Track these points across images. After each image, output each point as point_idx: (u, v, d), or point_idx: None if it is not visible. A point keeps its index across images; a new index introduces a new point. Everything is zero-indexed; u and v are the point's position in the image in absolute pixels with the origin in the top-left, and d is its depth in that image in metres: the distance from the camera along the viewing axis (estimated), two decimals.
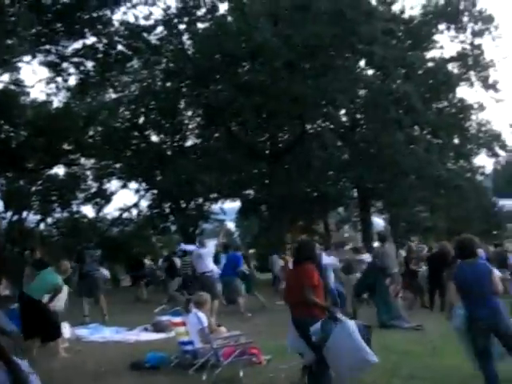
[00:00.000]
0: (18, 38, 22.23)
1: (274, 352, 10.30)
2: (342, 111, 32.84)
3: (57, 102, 31.18)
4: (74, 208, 33.89)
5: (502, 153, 40.31)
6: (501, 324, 7.05)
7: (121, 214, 34.83)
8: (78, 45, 27.16)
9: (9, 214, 32.45)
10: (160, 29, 28.93)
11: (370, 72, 32.41)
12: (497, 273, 9.34)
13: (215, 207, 36.02)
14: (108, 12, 26.26)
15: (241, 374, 9.02)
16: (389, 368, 8.87)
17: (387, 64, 28.20)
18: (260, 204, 33.18)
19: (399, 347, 10.71)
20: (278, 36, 26.44)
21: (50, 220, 33.87)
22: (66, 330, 13.45)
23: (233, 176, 31.46)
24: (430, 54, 33.99)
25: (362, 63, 31.60)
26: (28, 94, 30.44)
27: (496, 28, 33.44)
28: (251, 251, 30.74)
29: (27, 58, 26.44)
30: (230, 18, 30.22)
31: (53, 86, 30.23)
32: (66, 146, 31.32)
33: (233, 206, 36.53)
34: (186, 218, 34.07)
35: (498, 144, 37.41)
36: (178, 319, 10.64)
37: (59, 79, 29.17)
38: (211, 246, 17.72)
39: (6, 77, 27.12)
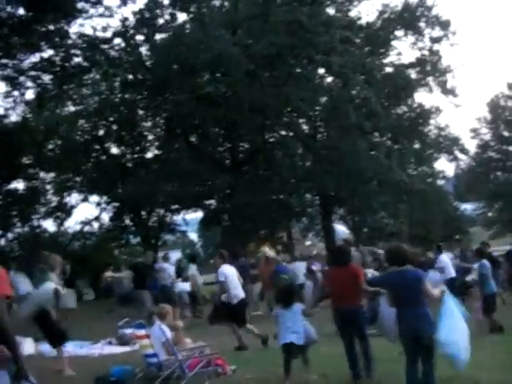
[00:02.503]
0: None
1: (239, 362, 10.25)
2: (304, 119, 32.93)
3: (15, 117, 30.83)
4: (35, 222, 33.45)
5: (462, 157, 40.93)
6: (424, 334, 7.15)
7: (82, 228, 34.49)
8: (35, 58, 26.87)
9: None
10: (118, 40, 28.75)
11: (330, 80, 32.57)
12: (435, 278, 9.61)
13: (177, 218, 35.92)
14: (64, 24, 26.03)
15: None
16: None
17: (346, 71, 28.36)
18: (222, 214, 33.09)
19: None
20: (237, 46, 26.46)
21: (10, 235, 33.38)
22: (29, 345, 13.26)
23: (195, 187, 31.35)
24: (388, 60, 34.35)
25: (322, 71, 31.74)
26: None
27: (453, 34, 33.85)
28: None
29: None
30: (188, 29, 30.15)
31: (10, 100, 29.87)
32: (25, 160, 30.95)
33: (195, 216, 36.46)
34: (148, 229, 33.88)
35: (458, 148, 37.92)
36: (141, 332, 10.52)
37: (16, 93, 28.81)
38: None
39: None
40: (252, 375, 9.62)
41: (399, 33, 34.27)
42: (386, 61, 34.28)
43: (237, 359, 10.41)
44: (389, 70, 33.55)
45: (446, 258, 16.89)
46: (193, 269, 21.30)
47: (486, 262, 13.25)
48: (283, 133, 32.83)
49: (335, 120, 29.89)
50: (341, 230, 38.71)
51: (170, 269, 19.65)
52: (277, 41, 26.63)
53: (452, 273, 16.24)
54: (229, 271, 12.33)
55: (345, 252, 9.24)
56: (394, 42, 34.44)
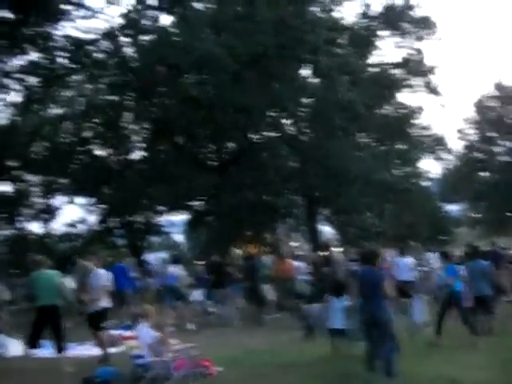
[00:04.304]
0: None
1: (226, 363, 10.32)
2: (289, 120, 32.99)
3: (1, 119, 30.74)
4: (21, 224, 33.34)
5: (448, 157, 41.10)
6: (380, 318, 9.25)
7: (68, 230, 34.37)
8: (20, 61, 26.81)
9: None
10: (103, 42, 28.69)
11: (315, 80, 32.64)
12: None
13: (163, 220, 35.87)
14: (48, 27, 25.99)
15: None
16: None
17: (331, 72, 28.47)
18: (208, 215, 33.10)
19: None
20: (221, 46, 26.48)
21: None
22: (18, 346, 13.31)
23: (180, 188, 31.33)
24: (373, 61, 34.47)
25: (307, 72, 31.82)
26: None
27: (437, 32, 34.08)
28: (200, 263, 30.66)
29: None
30: (173, 30, 30.14)
31: None
32: (10, 162, 30.87)
33: (181, 218, 36.43)
34: (134, 231, 33.84)
35: (442, 148, 38.13)
36: (128, 333, 10.58)
37: (2, 96, 28.74)
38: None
39: None
40: (238, 376, 9.70)
41: (383, 33, 34.44)
42: (370, 61, 34.41)
43: (223, 360, 10.47)
44: (373, 70, 33.68)
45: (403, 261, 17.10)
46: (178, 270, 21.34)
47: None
48: (268, 133, 32.87)
49: (320, 121, 29.99)
50: (326, 230, 38.81)
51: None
52: (262, 41, 26.67)
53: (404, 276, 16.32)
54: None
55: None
56: (378, 42, 34.60)
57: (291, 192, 33.72)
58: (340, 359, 10.99)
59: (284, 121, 32.77)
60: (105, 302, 12.22)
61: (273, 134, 32.62)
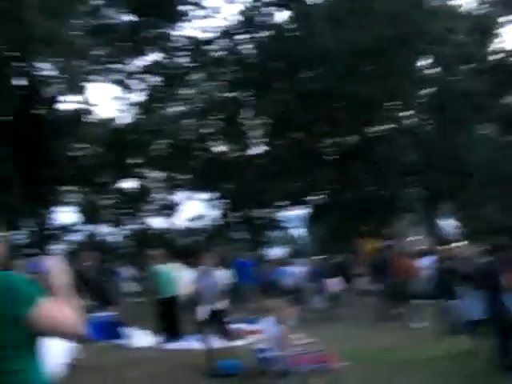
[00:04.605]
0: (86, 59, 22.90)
1: (349, 359, 10.24)
2: (408, 112, 32.41)
3: (125, 118, 31.82)
4: (144, 220, 34.44)
5: None
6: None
7: (189, 225, 35.14)
8: (143, 61, 27.70)
9: (84, 227, 33.27)
10: (221, 40, 29.17)
11: (435, 71, 31.89)
12: None
13: (283, 215, 36.00)
14: (171, 28, 26.70)
15: (317, 381, 8.98)
16: None
17: (451, 61, 27.75)
18: (327, 210, 32.98)
19: None
20: (338, 40, 26.32)
21: (120, 232, 34.49)
22: (143, 337, 13.72)
23: (299, 183, 31.39)
24: (494, 47, 33.26)
25: (426, 62, 31.14)
26: (97, 111, 31.16)
27: None
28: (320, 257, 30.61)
29: (96, 77, 27.15)
30: (290, 25, 30.22)
31: (121, 102, 30.91)
32: (135, 160, 31.91)
33: (300, 212, 36.42)
34: (254, 226, 34.15)
35: None
36: (252, 327, 10.67)
37: (127, 95, 29.78)
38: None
39: (75, 96, 27.79)
40: (361, 372, 9.61)
41: (504, 18, 33.14)
42: (491, 48, 33.22)
43: (346, 356, 10.38)
44: (495, 57, 32.51)
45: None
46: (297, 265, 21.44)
47: None
48: (387, 126, 32.40)
49: (441, 112, 29.31)
50: (447, 225, 37.79)
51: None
52: (380, 33, 26.32)
53: None
54: None
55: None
56: (498, 29, 33.32)
57: (411, 185, 33.10)
58: (466, 356, 10.68)
59: (403, 113, 32.21)
60: (219, 304, 12.18)
61: (392, 127, 32.13)
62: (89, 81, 26.97)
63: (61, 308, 2.87)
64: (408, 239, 35.87)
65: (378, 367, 10.07)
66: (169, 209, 34.73)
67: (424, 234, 37.13)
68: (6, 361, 2.75)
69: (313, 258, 23.15)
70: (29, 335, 2.81)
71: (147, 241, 32.23)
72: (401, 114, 32.17)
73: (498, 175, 28.60)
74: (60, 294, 2.93)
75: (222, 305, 12.10)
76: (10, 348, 2.76)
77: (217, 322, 12.19)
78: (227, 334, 12.03)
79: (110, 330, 13.63)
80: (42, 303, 2.80)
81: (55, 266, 3.06)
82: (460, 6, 32.41)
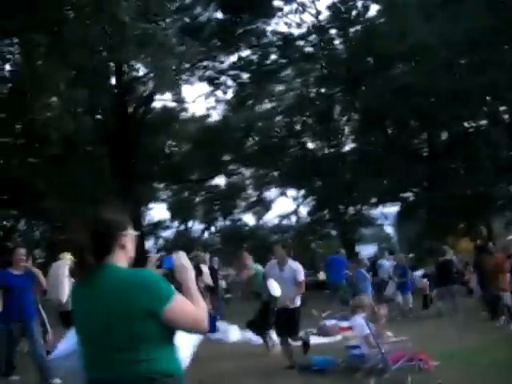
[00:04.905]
0: (177, 57, 23.30)
1: (441, 358, 10.08)
2: (506, 107, 31.49)
3: (216, 115, 32.26)
4: (236, 217, 34.81)
5: None
6: None
7: (280, 221, 35.29)
8: (233, 58, 27.95)
9: (175, 223, 33.93)
10: (312, 36, 29.11)
11: None
12: None
13: (374, 212, 35.70)
14: (261, 24, 26.82)
15: (409, 379, 8.86)
16: None
17: None
18: (419, 207, 32.44)
19: None
20: (432, 33, 25.81)
21: (213, 228, 35.02)
22: (236, 332, 13.88)
23: (392, 179, 31.00)
24: None
25: None
26: (188, 109, 31.74)
27: None
28: (410, 255, 30.18)
29: (187, 75, 27.60)
30: (381, 19, 29.89)
31: (212, 99, 31.34)
32: (225, 157, 32.27)
33: (392, 209, 36.04)
34: (346, 223, 33.99)
35: None
36: (344, 323, 10.63)
37: (217, 93, 30.15)
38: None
39: (167, 95, 28.37)
40: (455, 372, 9.44)
41: None
42: None
43: (438, 355, 10.22)
44: None
45: None
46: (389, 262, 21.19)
47: None
48: (484, 122, 31.57)
49: None
50: None
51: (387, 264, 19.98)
52: (476, 25, 25.66)
53: None
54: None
55: None
56: None
57: (509, 183, 32.14)
58: None
59: (502, 108, 31.33)
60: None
61: (489, 122, 31.28)
62: (181, 79, 27.44)
63: (191, 304, 3.07)
64: (507, 239, 34.89)
65: (470, 368, 9.85)
66: (260, 206, 34.98)
67: None
68: (138, 351, 2.96)
69: (403, 255, 22.86)
70: (162, 328, 3.00)
71: (239, 238, 32.59)
72: (498, 109, 31.28)
73: None
74: (189, 290, 3.14)
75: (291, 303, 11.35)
76: (140, 340, 2.96)
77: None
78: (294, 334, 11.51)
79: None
80: (175, 300, 3.00)
81: (182, 262, 3.26)
82: None
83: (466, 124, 31.13)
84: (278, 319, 10.81)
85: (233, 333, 14.20)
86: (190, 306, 3.07)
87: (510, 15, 25.87)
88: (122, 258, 3.14)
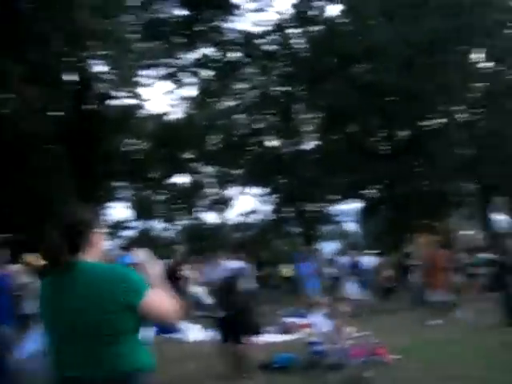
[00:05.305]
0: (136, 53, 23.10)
1: (402, 352, 10.17)
2: (461, 106, 31.94)
3: (177, 113, 32.03)
4: (197, 215, 34.67)
5: None
6: None
7: (242, 220, 35.27)
8: (195, 55, 27.79)
9: (136, 222, 33.68)
10: (273, 34, 29.12)
11: (488, 64, 31.39)
12: None
13: (336, 209, 35.86)
14: (223, 21, 26.74)
15: (369, 374, 8.94)
16: None
17: (506, 55, 27.30)
18: (381, 204, 32.72)
19: None
20: (392, 33, 26.06)
21: (174, 227, 34.82)
22: (197, 331, 13.80)
23: (352, 177, 31.20)
24: None
25: (479, 56, 30.64)
26: (148, 106, 31.48)
27: None
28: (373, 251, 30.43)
29: (146, 71, 27.38)
30: (342, 19, 30.05)
31: (173, 97, 31.12)
32: (187, 155, 32.10)
33: (353, 207, 36.25)
34: (307, 220, 34.09)
35: None
36: (304, 320, 10.65)
37: (178, 90, 29.96)
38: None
39: (127, 92, 28.05)
40: (415, 366, 9.53)
41: None
42: None
43: (399, 349, 10.31)
44: None
45: None
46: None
47: None
48: (441, 120, 31.97)
49: (495, 106, 28.85)
50: (502, 219, 37.13)
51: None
52: (434, 26, 25.97)
53: None
54: None
55: None
56: None
57: (465, 180, 32.61)
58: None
59: (456, 107, 31.76)
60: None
61: (446, 121, 31.70)
62: (140, 76, 27.21)
63: (164, 296, 3.18)
64: (461, 233, 35.46)
65: (429, 361, 9.96)
66: (222, 204, 34.90)
67: (478, 228, 36.65)
68: (118, 346, 3.01)
69: (365, 251, 23.04)
70: (137, 322, 3.09)
71: (201, 236, 32.49)
72: (454, 107, 31.70)
73: None
74: (156, 283, 3.21)
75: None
76: (119, 334, 3.02)
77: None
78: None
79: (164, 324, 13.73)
80: (149, 293, 3.08)
81: (146, 258, 3.34)
82: None
83: (425, 122, 31.47)
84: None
85: (194, 332, 14.13)
86: (164, 297, 3.16)
87: (468, 17, 26.24)
88: (92, 256, 3.19)
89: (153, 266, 3.29)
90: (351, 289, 18.47)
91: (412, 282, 19.11)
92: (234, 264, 11.28)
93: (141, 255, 3.33)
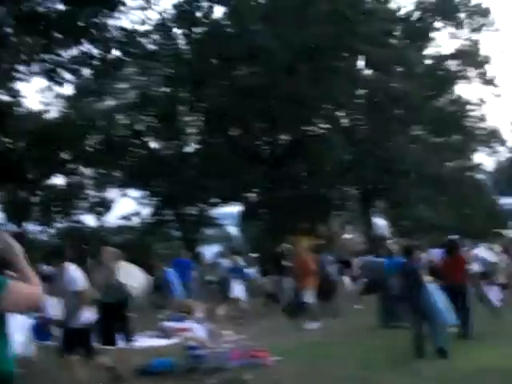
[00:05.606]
0: (12, 48, 22.19)
1: (282, 354, 10.23)
2: (343, 112, 32.71)
3: (54, 112, 31.08)
4: (75, 218, 33.72)
5: (501, 149, 40.37)
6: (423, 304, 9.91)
7: (122, 223, 34.64)
8: (73, 52, 26.96)
9: (11, 225, 32.32)
10: (156, 34, 28.77)
11: (369, 72, 32.31)
12: None
13: (217, 212, 35.89)
14: (103, 18, 26.08)
15: (248, 377, 8.95)
16: None
17: (386, 63, 28.14)
18: (262, 208, 33.01)
19: None
20: (275, 38, 26.31)
21: (51, 230, 33.69)
22: None
23: (234, 180, 31.29)
24: (428, 52, 33.93)
25: (361, 63, 31.50)
26: (24, 104, 30.27)
27: (493, 22, 33.34)
28: (254, 255, 30.58)
29: (22, 67, 26.36)
30: (226, 21, 30.11)
31: (50, 95, 30.13)
32: (65, 156, 31.21)
33: (235, 210, 36.38)
34: (188, 223, 33.92)
35: (497, 140, 37.39)
36: (183, 325, 10.52)
37: (56, 88, 29.03)
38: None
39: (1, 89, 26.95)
40: (294, 367, 9.59)
41: (438, 24, 33.83)
42: (425, 53, 33.86)
43: (279, 351, 10.36)
44: (428, 62, 33.16)
45: None
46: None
47: None
48: (323, 125, 32.62)
49: (375, 113, 29.70)
50: (380, 223, 38.35)
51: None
52: (317, 32, 26.44)
53: None
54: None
55: (456, 245, 12.35)
56: (433, 34, 34.02)
57: (346, 184, 33.43)
58: (396, 349, 10.83)
59: (339, 113, 32.51)
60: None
61: (328, 126, 32.36)
62: (17, 72, 26.18)
63: (24, 286, 3.13)
64: (343, 236, 36.31)
65: (307, 362, 10.06)
66: (101, 206, 34.14)
67: (358, 232, 37.64)
68: None
69: (248, 255, 23.13)
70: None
71: (79, 239, 31.59)
72: (337, 113, 32.43)
73: (429, 176, 29.15)
74: (19, 266, 3.18)
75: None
76: None
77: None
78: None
79: (40, 331, 13.20)
80: (9, 286, 3.05)
81: (7, 240, 3.25)
82: (398, 10, 32.89)
83: (306, 127, 32.00)
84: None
85: None
86: (24, 287, 3.12)
87: (350, 24, 26.87)
88: None
89: (14, 248, 3.21)
90: (237, 291, 18.43)
91: (286, 285, 19.32)
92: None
93: (4, 237, 3.23)
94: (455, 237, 13.97)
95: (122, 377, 9.19)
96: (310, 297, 15.01)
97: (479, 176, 41.93)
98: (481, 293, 14.30)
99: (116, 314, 10.15)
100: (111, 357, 9.50)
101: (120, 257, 10.70)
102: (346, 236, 37.05)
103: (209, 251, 32.20)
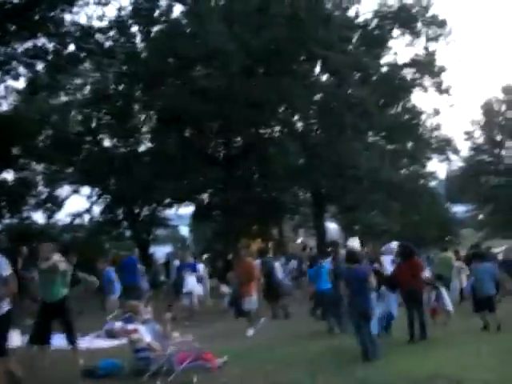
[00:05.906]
0: None
1: (229, 357, 10.19)
2: (298, 116, 32.77)
3: (5, 105, 30.52)
4: (25, 214, 33.09)
5: (454, 158, 40.96)
6: (368, 310, 10.29)
7: (72, 220, 34.15)
8: (28, 45, 26.48)
9: None
10: (113, 30, 28.42)
11: (326, 77, 32.44)
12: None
13: (169, 213, 35.68)
14: (60, 12, 25.66)
15: (194, 379, 8.94)
16: None
17: (342, 69, 28.28)
18: (214, 209, 32.91)
19: None
20: (233, 40, 26.24)
21: None
22: (16, 337, 12.99)
23: (187, 181, 31.11)
24: (384, 60, 34.21)
25: (318, 68, 31.62)
26: None
27: (449, 33, 33.75)
28: (205, 256, 30.49)
29: None
30: (184, 21, 29.94)
31: (1, 88, 29.57)
32: (15, 151, 30.64)
33: (187, 211, 36.25)
34: (140, 223, 33.64)
35: (450, 149, 37.88)
36: (130, 326, 10.35)
37: (8, 81, 28.47)
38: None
39: None
40: (240, 370, 9.56)
41: (396, 32, 34.14)
42: (382, 61, 34.13)
43: (226, 354, 10.29)
44: (385, 69, 33.43)
45: None
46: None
47: None
48: (278, 129, 32.68)
49: (329, 118, 29.81)
50: (332, 227, 38.58)
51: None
52: (275, 35, 26.45)
53: None
54: None
55: (409, 249, 12.52)
56: (390, 42, 34.32)
57: (299, 188, 33.49)
58: (341, 354, 10.84)
59: (294, 117, 32.57)
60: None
61: (282, 130, 32.41)
62: None
63: None
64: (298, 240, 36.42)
65: (253, 364, 10.04)
66: (52, 203, 33.59)
67: (310, 236, 37.78)
68: None
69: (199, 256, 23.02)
70: None
71: (28, 236, 30.99)
72: (291, 117, 32.48)
73: (381, 182, 29.37)
74: None
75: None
76: None
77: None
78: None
79: None
80: None
81: None
82: (356, 17, 33.06)
83: (261, 130, 32.00)
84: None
85: (14, 338, 13.33)
86: None
87: (306, 29, 26.95)
88: None
89: None
90: (191, 285, 18.30)
91: (229, 290, 19.32)
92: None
93: None
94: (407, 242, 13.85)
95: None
96: (251, 303, 14.77)
97: (432, 184, 42.51)
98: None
99: (55, 313, 9.98)
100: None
101: (55, 250, 10.39)
102: (298, 240, 37.24)
103: (160, 252, 32.05)
